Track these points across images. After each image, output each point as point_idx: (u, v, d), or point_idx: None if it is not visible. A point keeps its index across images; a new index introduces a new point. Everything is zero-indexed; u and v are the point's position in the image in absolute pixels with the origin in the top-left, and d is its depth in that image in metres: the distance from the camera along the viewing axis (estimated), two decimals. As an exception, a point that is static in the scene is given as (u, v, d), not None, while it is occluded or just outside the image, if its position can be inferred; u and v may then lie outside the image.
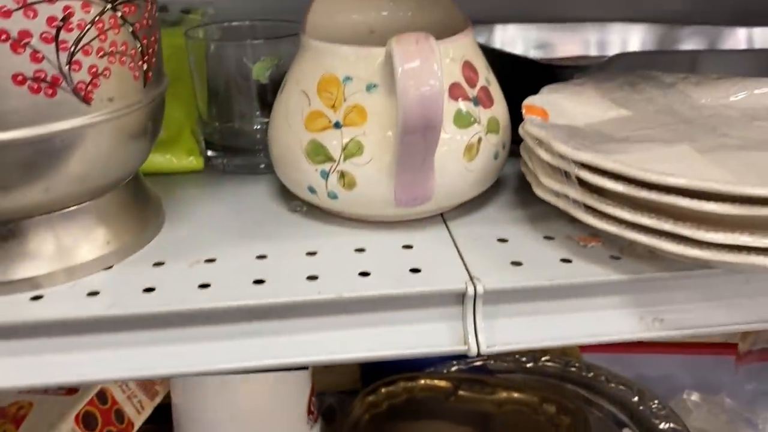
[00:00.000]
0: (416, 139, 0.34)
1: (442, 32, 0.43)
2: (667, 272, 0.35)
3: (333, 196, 0.38)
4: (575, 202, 0.35)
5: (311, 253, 0.37)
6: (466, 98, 0.38)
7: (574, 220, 0.36)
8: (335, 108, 0.36)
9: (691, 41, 0.72)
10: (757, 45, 0.70)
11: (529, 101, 0.41)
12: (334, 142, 0.36)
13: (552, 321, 0.35)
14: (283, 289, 0.34)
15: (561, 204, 0.36)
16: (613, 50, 0.72)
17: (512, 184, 0.45)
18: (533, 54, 0.71)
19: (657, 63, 0.58)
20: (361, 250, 0.37)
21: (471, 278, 0.34)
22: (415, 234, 0.39)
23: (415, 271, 0.35)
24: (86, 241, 0.35)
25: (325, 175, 0.37)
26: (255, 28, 0.49)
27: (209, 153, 0.49)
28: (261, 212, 0.42)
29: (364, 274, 0.35)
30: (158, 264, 0.36)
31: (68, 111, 0.31)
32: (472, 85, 0.38)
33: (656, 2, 0.75)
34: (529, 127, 0.37)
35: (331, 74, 0.37)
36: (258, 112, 0.47)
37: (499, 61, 0.48)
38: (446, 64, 0.37)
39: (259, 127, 0.47)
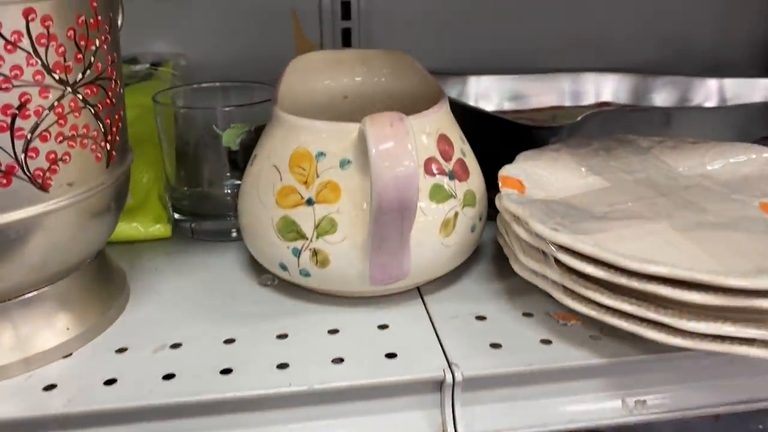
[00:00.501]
0: (391, 219, 0.33)
1: (415, 99, 0.43)
2: (648, 354, 0.34)
3: (305, 273, 0.36)
4: (554, 283, 0.34)
5: (282, 336, 0.36)
6: (442, 172, 0.37)
7: (551, 295, 0.35)
8: (307, 184, 0.35)
9: (663, 91, 0.72)
10: (728, 95, 0.71)
11: (505, 172, 0.40)
12: (306, 219, 0.35)
13: (533, 406, 0.34)
14: (252, 381, 0.32)
15: (539, 283, 0.35)
16: (587, 100, 0.73)
17: (488, 252, 0.44)
18: (507, 105, 0.71)
19: (631, 120, 0.58)
20: (334, 331, 0.36)
21: (449, 365, 0.33)
22: (391, 311, 0.38)
23: (391, 356, 0.34)
24: (45, 328, 0.34)
25: (297, 252, 0.36)
26: (226, 91, 0.48)
27: (177, 217, 0.47)
28: (230, 285, 0.41)
29: (338, 360, 0.33)
30: (121, 350, 0.34)
31: (24, 200, 0.30)
32: (448, 158, 0.37)
33: (628, 53, 0.76)
34: (507, 202, 0.36)
35: (304, 149, 0.36)
36: (228, 174, 0.46)
37: (474, 120, 0.47)
38: (421, 140, 0.36)
39: (229, 191, 0.46)
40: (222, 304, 0.39)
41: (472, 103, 0.70)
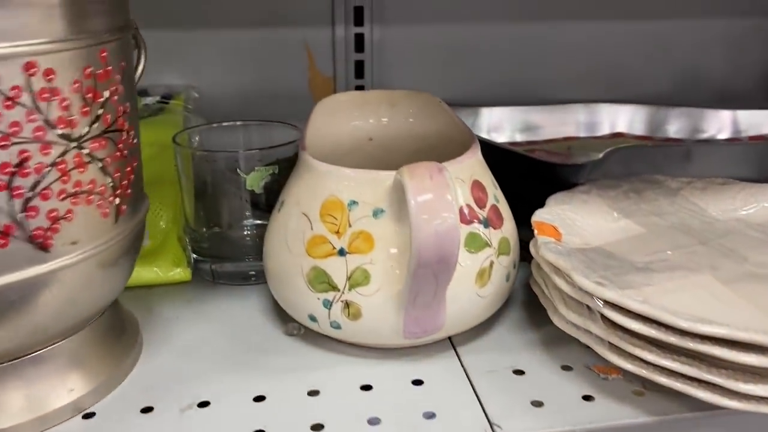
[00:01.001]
0: (430, 273, 0.32)
1: (442, 141, 0.42)
2: (694, 412, 0.33)
3: (336, 326, 0.35)
4: (598, 338, 0.33)
5: (313, 393, 0.34)
6: (477, 220, 0.36)
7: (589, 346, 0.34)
8: (339, 234, 0.34)
9: (677, 122, 0.72)
10: (742, 126, 0.71)
11: (539, 218, 0.39)
12: (338, 270, 0.34)
13: (576, 466, 0.33)
14: (288, 445, 0.31)
15: (582, 338, 0.34)
16: (601, 131, 0.72)
17: (519, 297, 0.43)
18: (519, 137, 0.70)
19: (651, 155, 0.58)
20: (367, 387, 0.35)
21: (491, 425, 0.32)
22: (424, 365, 0.36)
23: (429, 416, 0.32)
24: (57, 385, 0.32)
25: (329, 304, 0.34)
26: (247, 129, 0.47)
27: (195, 259, 0.46)
28: (254, 334, 0.39)
29: (375, 420, 0.32)
30: (146, 410, 0.33)
31: (23, 260, 0.28)
32: (482, 206, 0.36)
33: (640, 84, 0.75)
34: (546, 253, 0.35)
35: (336, 198, 0.34)
36: (248, 214, 0.45)
37: (493, 155, 0.46)
38: (456, 187, 0.35)
39: (248, 232, 0.45)
40: (248, 356, 0.37)
41: (484, 134, 0.69)
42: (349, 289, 0.34)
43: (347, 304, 0.34)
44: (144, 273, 0.43)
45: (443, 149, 0.41)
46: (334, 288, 0.34)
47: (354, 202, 0.34)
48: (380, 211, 0.34)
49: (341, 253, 0.34)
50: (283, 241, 0.36)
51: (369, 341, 0.36)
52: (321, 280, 0.34)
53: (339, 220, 0.34)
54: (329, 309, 0.35)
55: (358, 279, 0.34)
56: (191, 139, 0.45)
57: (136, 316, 0.40)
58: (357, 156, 0.43)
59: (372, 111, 0.43)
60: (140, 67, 0.35)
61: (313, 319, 0.36)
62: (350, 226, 0.34)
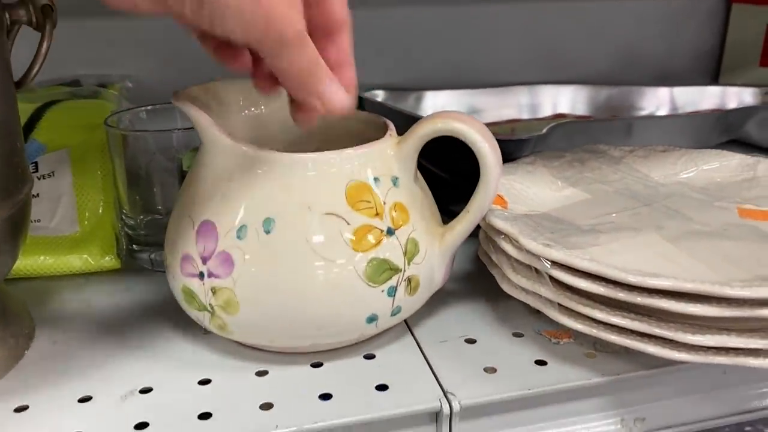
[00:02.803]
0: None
1: (347, 127, 0.38)
2: (645, 370, 0.33)
3: (397, 311, 0.32)
4: (548, 300, 0.33)
5: (261, 373, 0.33)
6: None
7: (540, 312, 0.33)
8: (380, 215, 0.31)
9: (616, 100, 0.73)
10: (679, 103, 0.72)
11: (485, 187, 0.39)
12: (394, 250, 0.31)
13: (532, 430, 0.33)
14: (236, 425, 0.29)
15: (531, 301, 0.34)
16: (544, 112, 0.73)
17: (467, 270, 0.42)
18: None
19: (594, 130, 0.58)
20: (317, 364, 0.33)
21: (445, 394, 0.31)
22: (376, 339, 0.35)
23: (382, 388, 0.32)
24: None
25: (393, 291, 0.32)
26: (182, 112, 0.45)
27: (133, 248, 0.44)
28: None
29: (326, 396, 0.31)
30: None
31: None
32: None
33: (580, 65, 0.76)
34: (493, 219, 0.35)
35: (358, 181, 0.31)
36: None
37: (441, 137, 0.46)
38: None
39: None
40: (193, 348, 0.35)
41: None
42: (408, 264, 0.32)
43: (409, 281, 0.32)
44: (73, 261, 0.41)
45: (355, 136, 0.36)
46: (396, 270, 0.31)
47: (376, 179, 0.32)
48: (396, 178, 0.32)
49: (390, 232, 0.31)
50: (309, 262, 0.30)
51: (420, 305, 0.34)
52: (382, 269, 0.31)
53: (373, 201, 0.31)
54: (393, 296, 0.32)
55: (412, 251, 0.32)
56: (123, 121, 0.43)
57: (27, 306, 0.38)
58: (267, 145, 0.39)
59: (259, 98, 0.37)
60: (41, 52, 0.32)
61: (372, 319, 0.32)
62: (384, 203, 0.31)
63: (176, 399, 0.31)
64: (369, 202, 0.31)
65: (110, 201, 0.44)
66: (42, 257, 0.41)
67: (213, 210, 0.31)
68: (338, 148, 0.31)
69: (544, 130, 0.52)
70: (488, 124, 0.74)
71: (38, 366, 0.33)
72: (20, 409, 0.30)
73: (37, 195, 0.42)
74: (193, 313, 0.32)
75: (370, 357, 0.34)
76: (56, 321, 0.37)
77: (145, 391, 0.32)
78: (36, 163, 0.43)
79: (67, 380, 0.32)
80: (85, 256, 0.42)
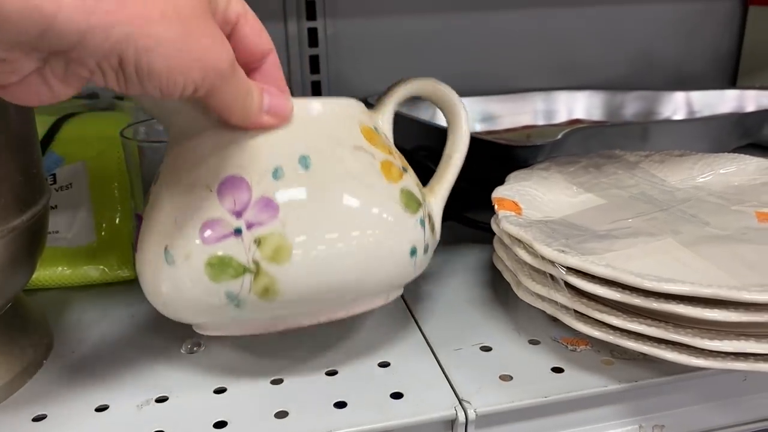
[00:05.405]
0: None
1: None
2: (663, 376, 0.32)
3: (425, 250, 0.32)
4: (563, 307, 0.32)
5: (276, 381, 0.33)
6: None
7: (556, 319, 0.33)
8: (392, 153, 0.33)
9: (632, 105, 0.73)
10: (696, 107, 0.72)
11: (499, 193, 0.39)
12: (414, 187, 0.32)
13: (548, 439, 0.32)
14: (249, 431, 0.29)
15: (547, 308, 0.33)
16: (559, 118, 0.72)
17: (483, 277, 0.42)
18: (480, 127, 0.70)
19: (609, 135, 0.58)
20: (332, 372, 0.33)
21: (460, 402, 0.31)
22: (390, 347, 0.35)
23: (396, 396, 0.31)
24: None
25: (423, 223, 0.32)
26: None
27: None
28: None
29: (341, 404, 0.31)
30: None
31: None
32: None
33: (596, 70, 0.76)
34: (507, 225, 0.34)
35: (365, 126, 0.32)
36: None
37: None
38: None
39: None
40: (208, 357, 0.36)
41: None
42: (424, 200, 0.33)
43: (429, 218, 0.33)
44: (90, 271, 0.42)
45: None
46: (419, 203, 0.32)
47: (375, 127, 0.33)
48: (384, 131, 0.34)
49: (404, 169, 0.32)
50: (355, 190, 0.29)
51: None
52: (411, 199, 0.31)
53: (381, 142, 0.32)
54: (424, 229, 0.32)
55: (426, 190, 0.34)
56: (138, 132, 0.43)
57: (46, 316, 0.38)
58: None
59: None
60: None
61: (413, 252, 0.31)
62: (389, 146, 0.33)
63: (192, 408, 0.31)
64: (380, 141, 0.32)
65: (127, 212, 0.45)
66: (60, 268, 0.42)
67: (234, 164, 0.28)
68: None
69: (559, 136, 0.51)
70: (504, 131, 0.74)
71: (56, 375, 0.34)
72: (38, 418, 0.31)
73: (55, 206, 0.42)
74: (224, 287, 0.28)
75: (384, 365, 0.34)
76: (74, 331, 0.38)
77: (161, 400, 0.32)
78: (54, 174, 0.44)
79: (85, 389, 0.32)
80: (102, 266, 0.42)
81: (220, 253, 0.28)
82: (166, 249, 0.29)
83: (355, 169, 0.30)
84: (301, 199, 0.28)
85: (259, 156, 0.29)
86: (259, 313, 0.29)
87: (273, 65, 0.28)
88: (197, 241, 0.28)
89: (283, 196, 0.28)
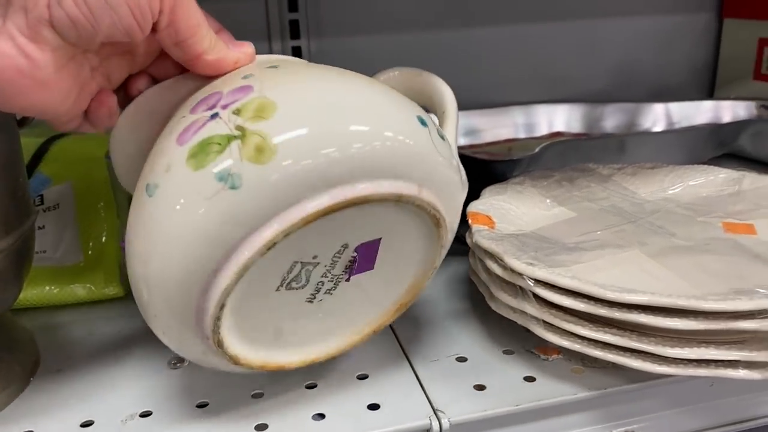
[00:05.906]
0: None
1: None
2: (633, 384, 0.33)
3: None
4: (533, 318, 0.34)
5: (257, 395, 0.34)
6: None
7: (529, 330, 0.34)
8: None
9: (612, 118, 0.74)
10: (675, 118, 0.73)
11: (474, 208, 0.40)
12: None
13: (522, 447, 0.33)
14: (230, 446, 0.30)
15: (518, 319, 0.35)
16: (540, 131, 0.74)
17: (461, 290, 0.43)
18: (462, 141, 0.71)
19: (587, 148, 0.59)
20: (311, 386, 0.34)
21: (435, 411, 0.32)
22: (368, 360, 0.36)
23: (373, 407, 0.32)
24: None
25: None
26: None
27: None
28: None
29: (319, 416, 0.32)
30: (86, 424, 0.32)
31: None
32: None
33: (576, 83, 0.78)
34: (479, 239, 0.36)
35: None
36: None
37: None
38: None
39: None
40: (191, 373, 0.37)
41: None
42: None
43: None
44: (77, 290, 0.43)
45: None
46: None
47: None
48: None
49: None
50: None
51: None
52: None
53: None
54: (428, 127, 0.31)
55: None
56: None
57: (33, 335, 0.39)
58: None
59: None
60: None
61: (423, 123, 0.28)
62: None
63: (175, 422, 0.32)
64: None
65: (113, 230, 0.46)
66: (47, 287, 0.43)
67: (205, 91, 0.28)
68: None
69: (537, 150, 0.53)
70: (486, 144, 0.75)
71: (43, 392, 0.35)
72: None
73: (43, 227, 0.43)
74: (212, 168, 0.24)
75: (363, 377, 0.35)
76: (61, 349, 0.39)
77: (145, 415, 0.33)
78: (42, 195, 0.45)
79: (71, 406, 0.33)
80: (89, 285, 0.43)
81: (199, 140, 0.25)
82: (147, 186, 0.26)
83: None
84: (277, 73, 0.28)
85: (232, 76, 0.28)
86: (260, 191, 0.24)
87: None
88: (173, 148, 0.25)
89: (255, 79, 0.27)
